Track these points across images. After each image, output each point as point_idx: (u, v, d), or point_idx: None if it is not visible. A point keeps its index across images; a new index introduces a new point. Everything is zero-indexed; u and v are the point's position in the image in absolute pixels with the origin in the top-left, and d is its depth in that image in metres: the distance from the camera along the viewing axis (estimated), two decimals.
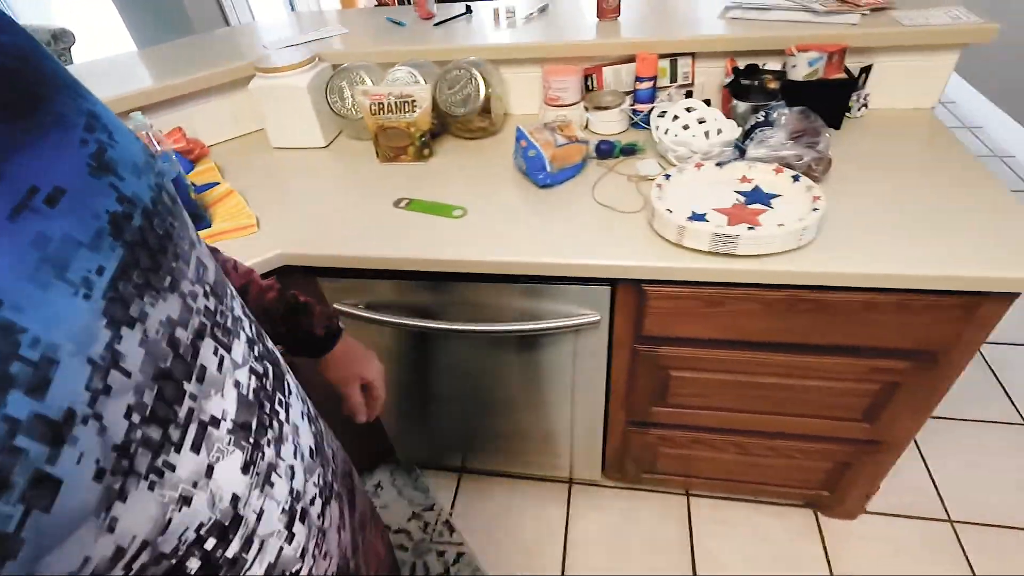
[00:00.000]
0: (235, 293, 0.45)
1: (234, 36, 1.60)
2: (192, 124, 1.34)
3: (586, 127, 1.27)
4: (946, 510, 1.40)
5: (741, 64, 1.18)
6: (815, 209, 0.88)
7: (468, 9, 1.51)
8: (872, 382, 1.03)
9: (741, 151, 1.01)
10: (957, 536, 1.35)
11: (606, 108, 1.23)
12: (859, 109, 1.21)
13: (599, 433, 1.28)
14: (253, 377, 0.41)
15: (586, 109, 1.25)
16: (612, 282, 0.97)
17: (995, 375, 1.70)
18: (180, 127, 1.30)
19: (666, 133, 1.14)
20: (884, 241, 0.88)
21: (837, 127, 1.18)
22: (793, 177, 0.96)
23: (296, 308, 0.72)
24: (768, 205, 0.93)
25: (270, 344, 0.48)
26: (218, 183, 1.20)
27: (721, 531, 1.40)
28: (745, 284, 0.91)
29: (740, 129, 1.09)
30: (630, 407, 1.20)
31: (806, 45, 1.12)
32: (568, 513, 1.48)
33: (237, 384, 0.38)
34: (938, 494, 1.43)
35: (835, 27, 1.16)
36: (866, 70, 1.17)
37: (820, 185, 1.02)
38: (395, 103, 1.17)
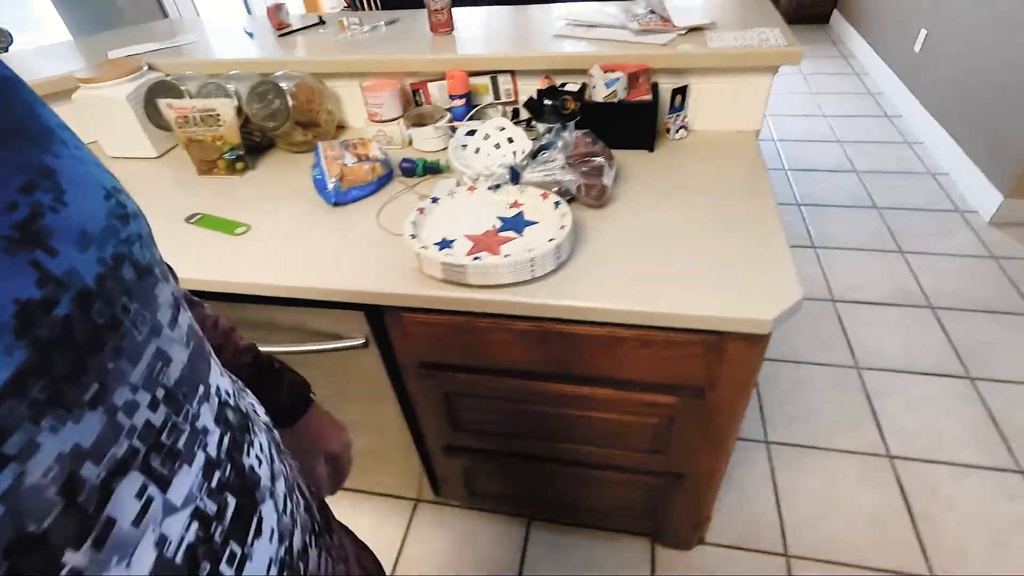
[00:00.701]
0: (214, 389, 0.36)
1: (99, 42, 1.60)
2: None
3: (410, 143, 1.25)
4: (785, 544, 1.36)
5: (560, 82, 1.15)
6: (551, 239, 0.85)
7: (321, 20, 1.49)
8: (648, 415, 1.00)
9: (515, 174, 0.99)
10: (789, 572, 1.31)
11: (423, 125, 1.21)
12: (677, 131, 1.18)
13: (414, 454, 1.26)
14: (195, 525, 0.30)
15: (405, 125, 1.23)
16: (370, 307, 0.95)
17: (870, 403, 1.65)
18: None
19: (463, 149, 1.11)
20: (632, 275, 0.85)
21: (650, 149, 1.15)
22: (555, 203, 0.93)
23: (267, 375, 0.63)
24: (520, 233, 0.91)
25: (259, 451, 0.38)
26: None
27: (553, 557, 1.37)
28: (491, 314, 0.89)
29: (523, 151, 1.06)
30: (434, 431, 1.18)
31: (610, 65, 1.09)
32: (407, 530, 1.45)
33: (161, 542, 0.28)
34: (781, 527, 1.39)
35: (646, 47, 1.13)
36: (681, 91, 1.13)
37: (599, 212, 0.99)
38: (200, 117, 1.16)
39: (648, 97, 1.10)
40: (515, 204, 0.97)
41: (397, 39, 1.33)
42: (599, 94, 1.08)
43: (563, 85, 1.11)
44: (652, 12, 1.22)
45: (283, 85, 1.19)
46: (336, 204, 1.07)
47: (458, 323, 0.92)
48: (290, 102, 1.18)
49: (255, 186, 1.18)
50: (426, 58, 1.21)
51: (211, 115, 1.15)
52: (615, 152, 1.12)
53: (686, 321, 0.80)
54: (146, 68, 1.31)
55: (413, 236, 0.89)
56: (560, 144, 1.00)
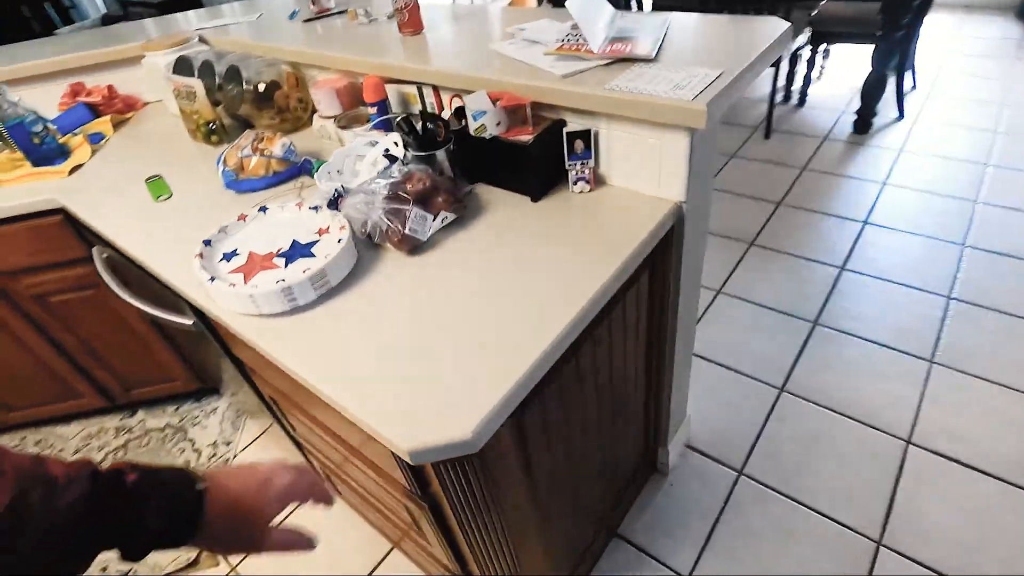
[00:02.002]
0: None
1: (205, 14, 1.90)
2: (137, 86, 1.68)
3: (342, 143, 1.25)
4: None
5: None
6: (280, 280, 0.80)
7: (343, 10, 1.54)
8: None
9: (335, 200, 0.93)
10: None
11: (345, 127, 1.20)
12: (576, 183, 0.96)
13: None
14: None
15: (337, 125, 1.23)
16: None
17: None
18: (111, 85, 1.66)
19: (359, 160, 1.08)
20: (350, 351, 0.76)
21: (534, 198, 0.97)
22: (338, 240, 0.86)
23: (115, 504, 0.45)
24: (291, 262, 0.86)
25: None
26: (105, 136, 1.53)
27: None
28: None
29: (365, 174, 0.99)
30: None
31: (496, 94, 0.93)
32: None
33: None
34: None
35: (540, 77, 0.93)
36: (581, 136, 0.91)
37: (408, 258, 0.89)
38: (184, 92, 1.32)
39: (526, 138, 0.92)
40: (322, 231, 0.92)
41: (370, 36, 1.32)
42: (472, 126, 0.94)
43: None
44: (574, 30, 0.99)
45: (261, 71, 1.29)
46: (230, 190, 1.15)
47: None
48: (249, 87, 1.27)
49: (211, 157, 1.31)
50: (353, 58, 1.18)
51: (190, 91, 1.31)
52: (498, 194, 0.98)
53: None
54: (195, 41, 1.53)
55: (207, 242, 0.91)
56: (393, 175, 0.91)
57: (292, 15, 1.60)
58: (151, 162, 1.34)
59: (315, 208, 0.95)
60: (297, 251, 0.88)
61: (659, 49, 0.94)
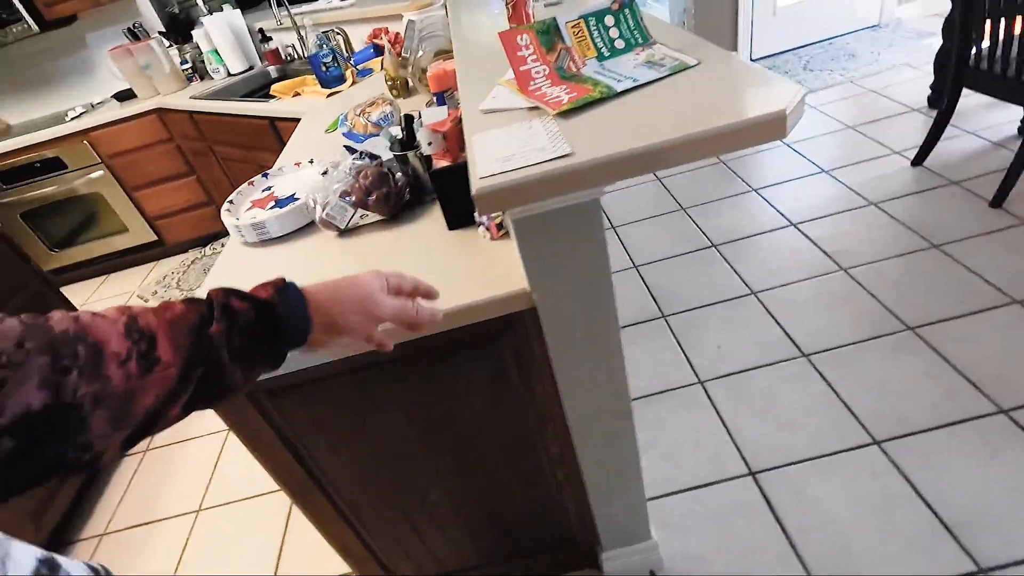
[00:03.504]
0: None
1: None
2: None
3: None
4: None
5: None
6: (259, 221, 1.05)
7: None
8: None
9: (327, 172, 1.10)
10: None
11: None
12: (478, 226, 0.88)
13: None
14: None
15: None
16: None
17: None
18: (399, 32, 2.12)
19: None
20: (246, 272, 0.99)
21: (448, 226, 0.94)
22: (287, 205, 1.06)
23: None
24: (280, 208, 1.11)
25: None
26: (373, 71, 2.04)
27: None
28: None
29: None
30: None
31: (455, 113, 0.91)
32: None
33: None
34: None
35: (468, 110, 0.85)
36: None
37: (329, 236, 1.03)
38: (391, 47, 1.64)
39: (439, 164, 0.88)
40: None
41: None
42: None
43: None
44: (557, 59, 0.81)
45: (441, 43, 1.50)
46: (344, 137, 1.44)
47: None
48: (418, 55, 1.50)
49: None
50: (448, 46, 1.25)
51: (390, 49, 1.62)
52: (437, 211, 1.00)
53: None
54: (438, 5, 1.82)
55: (265, 174, 1.23)
56: (350, 165, 1.03)
57: None
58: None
59: (324, 173, 1.15)
60: (282, 202, 1.12)
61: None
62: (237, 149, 2.42)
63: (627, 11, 0.85)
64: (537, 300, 0.76)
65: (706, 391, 1.59)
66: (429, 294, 0.64)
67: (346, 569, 1.18)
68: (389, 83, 1.66)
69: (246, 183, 1.21)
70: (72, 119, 2.78)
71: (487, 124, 0.79)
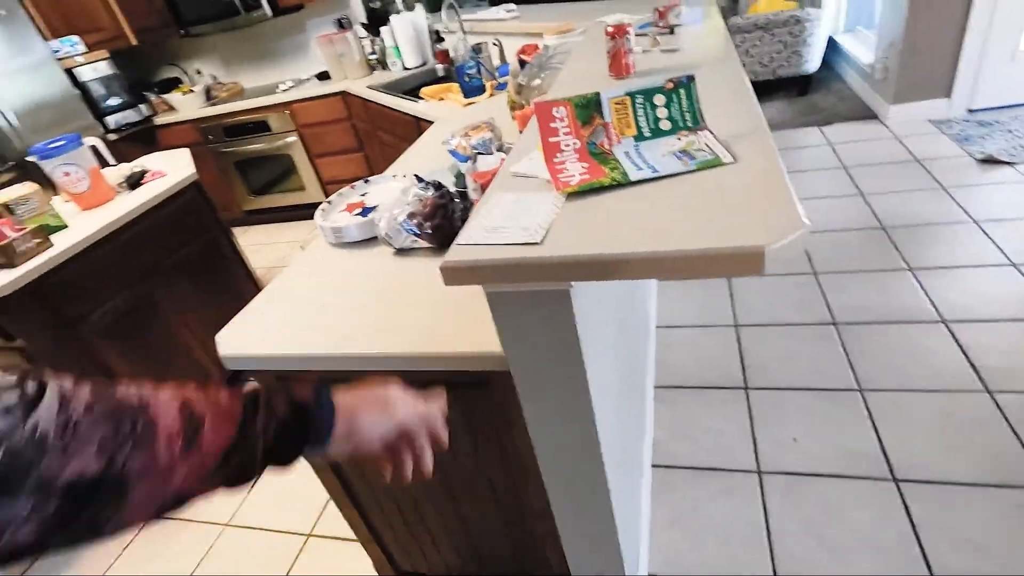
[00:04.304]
0: None
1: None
2: None
3: None
4: None
5: None
6: (337, 225, 1.21)
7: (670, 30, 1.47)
8: None
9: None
10: None
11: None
12: None
13: None
14: None
15: None
16: None
17: None
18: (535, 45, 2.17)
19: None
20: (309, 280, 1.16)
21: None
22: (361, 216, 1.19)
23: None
24: (364, 216, 1.25)
25: None
26: None
27: None
28: None
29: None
30: None
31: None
32: None
33: None
34: None
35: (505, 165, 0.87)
36: None
37: (388, 250, 1.14)
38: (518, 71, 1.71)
39: None
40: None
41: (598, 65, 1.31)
42: None
43: None
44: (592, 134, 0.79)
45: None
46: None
47: None
48: (527, 84, 1.55)
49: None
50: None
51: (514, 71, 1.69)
52: None
53: None
54: (577, 31, 1.83)
55: (366, 180, 1.39)
56: (423, 195, 1.12)
57: (639, 27, 1.65)
58: (495, 116, 1.84)
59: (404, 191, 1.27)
60: (367, 211, 1.26)
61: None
62: (392, 137, 2.70)
63: (681, 91, 0.81)
64: (510, 367, 0.78)
65: (761, 483, 1.44)
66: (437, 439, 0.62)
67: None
68: (510, 105, 1.74)
69: (348, 186, 1.38)
70: (282, 91, 3.32)
71: (510, 186, 0.82)
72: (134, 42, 3.48)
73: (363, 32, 3.23)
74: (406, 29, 2.89)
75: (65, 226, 1.79)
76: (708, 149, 0.76)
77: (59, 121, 2.96)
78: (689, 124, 0.81)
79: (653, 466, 1.55)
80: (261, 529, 1.67)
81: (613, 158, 0.79)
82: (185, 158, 2.28)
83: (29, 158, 1.85)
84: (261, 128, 3.38)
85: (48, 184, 1.88)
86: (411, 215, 1.11)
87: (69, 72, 3.07)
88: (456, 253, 0.67)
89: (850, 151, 2.92)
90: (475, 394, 0.89)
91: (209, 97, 3.67)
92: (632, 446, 1.31)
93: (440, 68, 2.93)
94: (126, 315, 1.85)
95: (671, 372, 1.82)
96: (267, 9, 3.14)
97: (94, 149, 2.02)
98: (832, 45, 3.98)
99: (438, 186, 1.15)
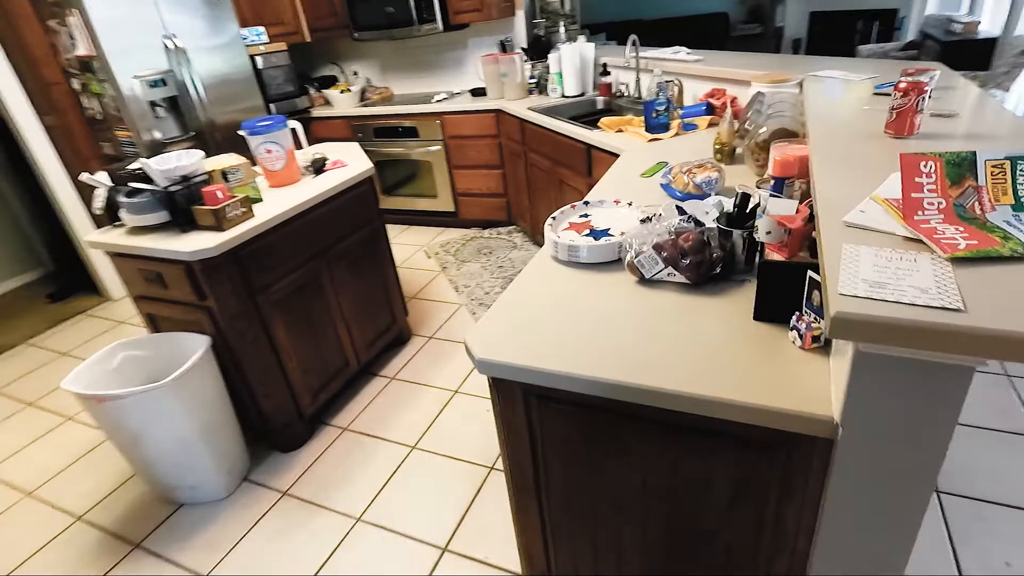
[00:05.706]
0: None
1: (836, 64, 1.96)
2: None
3: None
4: None
5: None
6: (573, 244, 1.18)
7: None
8: None
9: (648, 219, 1.17)
10: None
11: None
12: (792, 329, 0.84)
13: None
14: None
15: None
16: None
17: None
18: (735, 97, 2.12)
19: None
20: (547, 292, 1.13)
21: (754, 316, 0.92)
22: (599, 241, 1.15)
23: None
24: (595, 239, 1.22)
25: None
26: (696, 128, 2.09)
27: None
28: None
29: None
30: None
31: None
32: None
33: None
34: None
35: (830, 219, 0.80)
36: (821, 290, 0.79)
37: (631, 278, 1.10)
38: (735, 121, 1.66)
39: (772, 257, 0.86)
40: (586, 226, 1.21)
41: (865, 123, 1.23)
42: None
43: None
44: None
45: (783, 122, 1.48)
46: (662, 189, 1.51)
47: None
48: (758, 132, 1.50)
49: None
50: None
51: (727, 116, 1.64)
52: (750, 290, 1.00)
53: None
54: (792, 83, 1.77)
55: (586, 202, 1.37)
56: (678, 228, 1.07)
57: (878, 86, 1.56)
58: (683, 155, 1.80)
59: (644, 220, 1.23)
60: (597, 234, 1.23)
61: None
62: (545, 160, 2.71)
63: None
64: (842, 437, 0.70)
65: None
66: None
67: (510, 564, 1.25)
68: (717, 147, 1.68)
69: (569, 205, 1.36)
70: (436, 101, 3.43)
71: (849, 238, 0.75)
72: (308, 39, 3.72)
73: (524, 56, 3.31)
74: (574, 59, 2.93)
75: (261, 200, 1.88)
76: None
77: (233, 100, 3.17)
78: None
79: None
80: (394, 532, 1.64)
81: (995, 226, 0.71)
82: (357, 151, 2.37)
83: (240, 132, 1.96)
84: (410, 133, 3.50)
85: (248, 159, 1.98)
86: (659, 245, 1.06)
87: (251, 58, 3.30)
88: (850, 305, 0.61)
89: None
90: (756, 453, 0.82)
91: (363, 98, 3.85)
92: None
93: (600, 100, 2.94)
94: (296, 292, 1.90)
95: None
96: (439, 24, 3.27)
97: (293, 132, 2.12)
98: None
99: (698, 222, 1.10)
